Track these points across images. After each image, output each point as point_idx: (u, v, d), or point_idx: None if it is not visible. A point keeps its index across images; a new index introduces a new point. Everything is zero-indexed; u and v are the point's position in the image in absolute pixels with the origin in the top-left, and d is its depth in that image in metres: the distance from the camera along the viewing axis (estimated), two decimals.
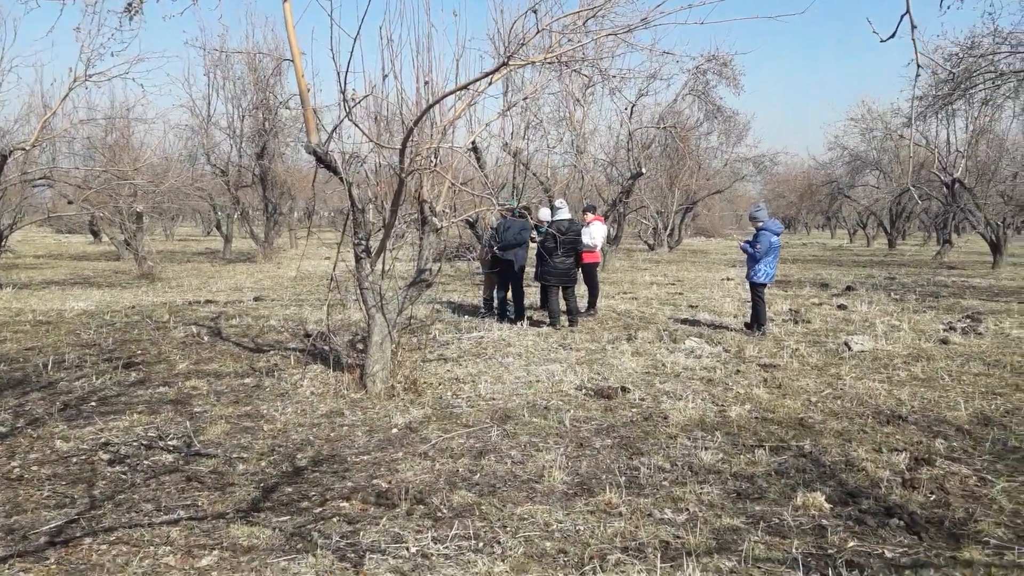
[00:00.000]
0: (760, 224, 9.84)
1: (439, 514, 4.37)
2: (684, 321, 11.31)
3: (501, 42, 5.41)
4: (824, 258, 29.97)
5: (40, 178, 16.73)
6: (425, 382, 7.38)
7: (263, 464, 5.29)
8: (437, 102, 5.95)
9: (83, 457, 5.38)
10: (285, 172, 26.97)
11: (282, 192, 27.55)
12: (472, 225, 12.47)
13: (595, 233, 11.62)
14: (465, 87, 5.72)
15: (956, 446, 5.60)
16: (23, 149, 14.52)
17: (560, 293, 10.53)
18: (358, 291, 7.27)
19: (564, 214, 10.35)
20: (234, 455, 5.47)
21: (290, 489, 4.81)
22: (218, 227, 32.18)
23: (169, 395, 7.14)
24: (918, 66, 2.60)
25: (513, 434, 5.91)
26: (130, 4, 5.29)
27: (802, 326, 10.74)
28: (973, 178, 24.04)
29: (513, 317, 10.95)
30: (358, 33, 5.27)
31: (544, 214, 10.70)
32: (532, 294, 12.74)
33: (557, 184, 16.26)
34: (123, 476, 5.00)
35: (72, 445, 5.61)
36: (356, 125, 5.95)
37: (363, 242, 7.17)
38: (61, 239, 43.37)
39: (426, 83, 6.29)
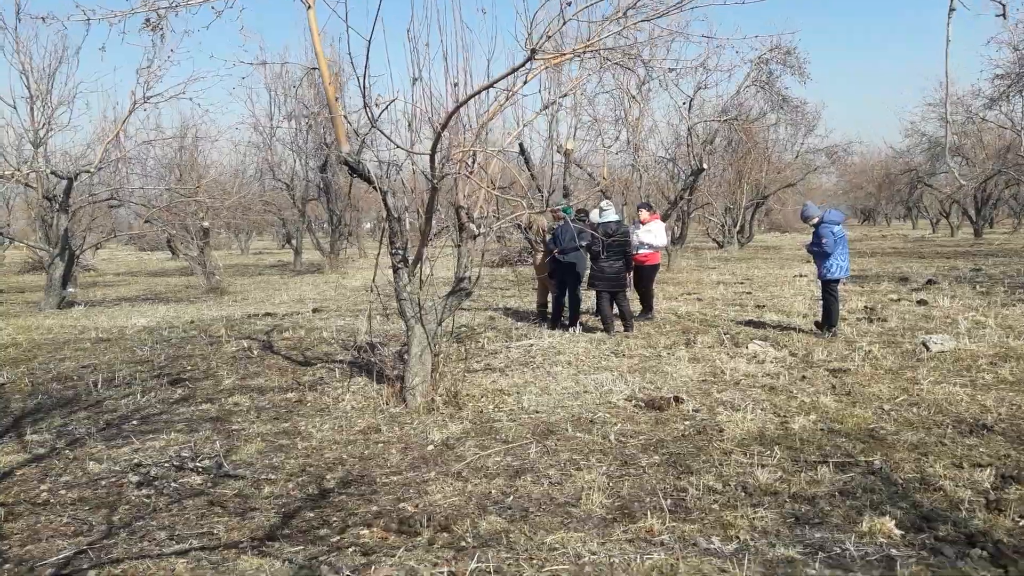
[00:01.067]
0: (815, 220, 9.21)
1: (463, 543, 4.05)
2: (749, 323, 10.72)
3: (527, 35, 5.06)
4: (905, 251, 28.58)
5: (107, 199, 17.18)
6: (468, 394, 7.08)
7: (290, 486, 5.08)
8: (464, 103, 5.66)
9: (113, 479, 5.26)
10: (348, 183, 27.19)
11: (346, 204, 27.79)
12: (525, 230, 12.14)
13: (657, 232, 11.05)
14: (491, 85, 5.41)
15: None
16: (88, 172, 14.90)
17: (612, 298, 10.11)
18: (397, 302, 7.03)
19: (611, 216, 9.92)
20: (263, 476, 5.27)
21: (312, 514, 4.56)
22: (288, 240, 32.79)
23: (211, 412, 7.04)
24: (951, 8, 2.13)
25: (554, 451, 5.55)
26: (148, 19, 5.16)
27: (877, 325, 10.04)
28: None
29: (567, 323, 10.58)
30: (371, 36, 5.03)
31: (596, 216, 10.29)
32: (590, 298, 12.31)
33: (615, 184, 15.80)
34: (147, 500, 4.84)
35: (104, 467, 5.51)
36: (380, 131, 5.71)
37: (400, 252, 6.94)
38: (144, 256, 44.93)
39: (455, 84, 6.01)
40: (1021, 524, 4.05)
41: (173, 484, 5.17)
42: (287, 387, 7.83)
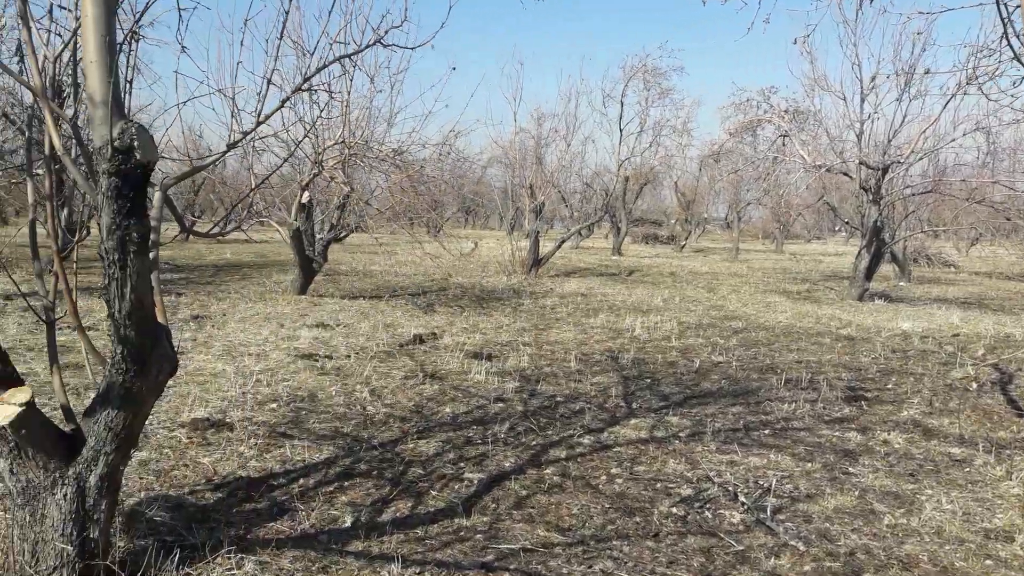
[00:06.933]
0: None
1: None
2: None
3: None
4: None
5: (925, 191, 16.06)
6: None
7: None
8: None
9: (648, 490, 4.83)
10: None
11: None
12: None
13: None
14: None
15: None
16: (899, 162, 14.20)
17: None
18: None
19: None
20: (807, 548, 4.12)
21: None
22: None
23: (849, 442, 5.89)
24: None
25: None
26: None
27: None
28: None
29: None
30: None
31: None
32: None
33: None
34: (659, 523, 4.33)
35: (677, 469, 5.15)
36: None
37: None
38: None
39: None
40: None
41: (707, 514, 4.49)
42: (963, 439, 5.94)
